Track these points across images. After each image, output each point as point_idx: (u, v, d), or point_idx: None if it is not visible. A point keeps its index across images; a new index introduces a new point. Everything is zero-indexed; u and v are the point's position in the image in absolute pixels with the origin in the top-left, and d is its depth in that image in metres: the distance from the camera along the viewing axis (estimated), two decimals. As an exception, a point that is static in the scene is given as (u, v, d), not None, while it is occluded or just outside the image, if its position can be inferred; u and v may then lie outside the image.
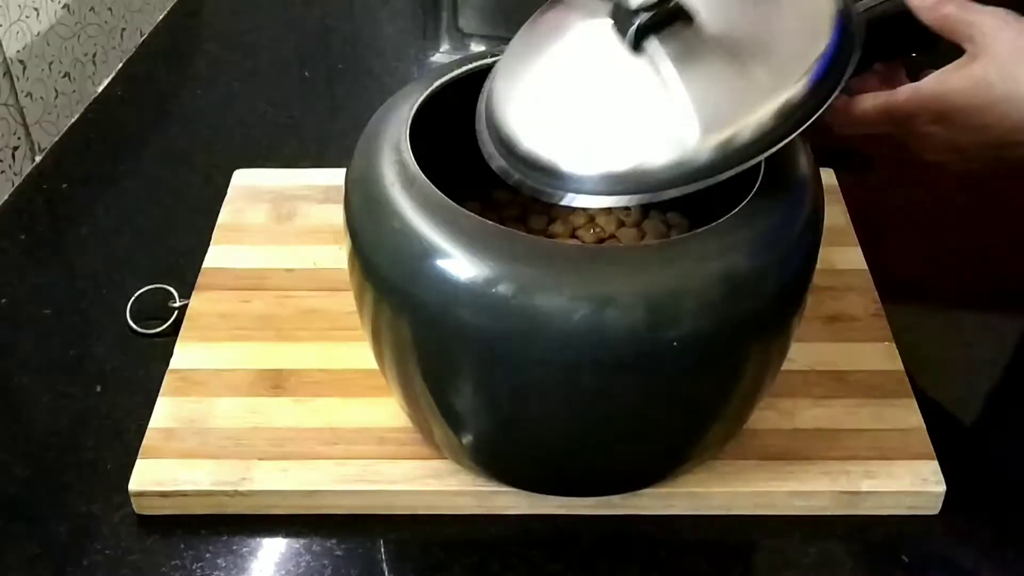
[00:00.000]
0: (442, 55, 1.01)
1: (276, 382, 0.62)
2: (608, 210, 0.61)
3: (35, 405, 0.64)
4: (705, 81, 0.49)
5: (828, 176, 0.74)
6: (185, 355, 0.64)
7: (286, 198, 0.76)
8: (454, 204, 0.49)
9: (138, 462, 0.58)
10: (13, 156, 0.81)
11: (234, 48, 1.00)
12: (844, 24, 0.52)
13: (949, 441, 0.60)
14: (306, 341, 0.65)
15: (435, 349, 0.51)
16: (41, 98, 0.84)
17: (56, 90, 0.86)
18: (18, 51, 0.79)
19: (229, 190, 0.76)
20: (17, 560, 0.56)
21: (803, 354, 0.63)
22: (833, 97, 0.51)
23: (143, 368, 0.65)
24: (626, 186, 0.49)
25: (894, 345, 0.65)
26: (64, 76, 0.87)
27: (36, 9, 0.82)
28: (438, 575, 0.56)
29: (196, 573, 0.55)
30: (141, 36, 0.98)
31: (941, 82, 0.57)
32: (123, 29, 0.96)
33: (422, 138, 0.54)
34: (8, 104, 0.80)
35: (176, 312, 0.68)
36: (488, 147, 0.53)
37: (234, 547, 0.57)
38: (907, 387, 0.62)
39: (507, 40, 0.56)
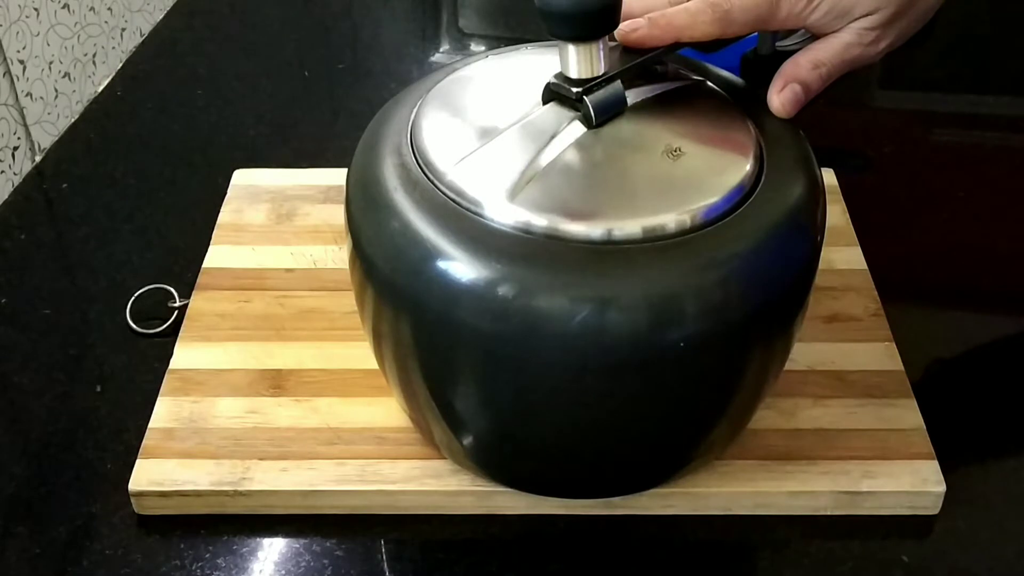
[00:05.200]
0: (442, 55, 1.01)
1: (276, 382, 0.62)
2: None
3: (35, 405, 0.64)
4: None
5: (828, 176, 0.74)
6: (185, 355, 0.64)
7: (286, 198, 0.76)
8: (456, 207, 0.49)
9: (138, 462, 0.58)
10: (13, 156, 0.82)
11: (234, 48, 1.00)
12: None
13: (949, 441, 0.60)
14: (306, 341, 0.65)
15: (436, 350, 0.51)
16: (41, 98, 0.84)
17: (56, 90, 0.86)
18: (18, 51, 0.79)
19: (229, 190, 0.76)
20: (17, 560, 0.56)
21: (803, 354, 0.63)
22: None
23: (143, 368, 0.65)
24: None
25: (894, 345, 0.64)
26: (64, 76, 0.87)
27: (36, 9, 0.82)
28: (438, 575, 0.56)
29: (196, 573, 0.55)
30: (141, 36, 0.98)
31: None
32: (123, 29, 0.96)
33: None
34: (8, 104, 0.80)
35: (176, 312, 0.68)
36: None
37: (234, 547, 0.57)
38: (907, 387, 0.62)
39: (507, 40, 0.56)
